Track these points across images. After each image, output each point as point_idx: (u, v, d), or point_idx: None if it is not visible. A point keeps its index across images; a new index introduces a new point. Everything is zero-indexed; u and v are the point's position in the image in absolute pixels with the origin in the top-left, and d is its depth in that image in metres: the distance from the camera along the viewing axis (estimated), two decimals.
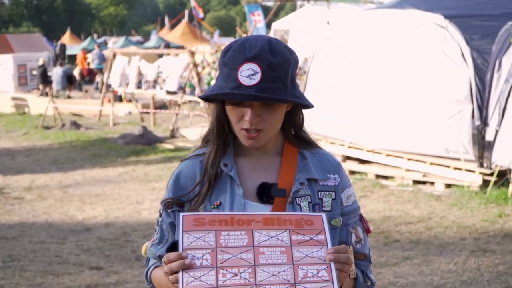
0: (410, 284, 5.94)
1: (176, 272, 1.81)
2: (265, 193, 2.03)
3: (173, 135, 15.34)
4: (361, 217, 2.15)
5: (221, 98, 1.98)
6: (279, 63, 1.93)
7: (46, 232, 7.81)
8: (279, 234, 1.87)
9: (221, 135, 2.05)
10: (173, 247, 1.91)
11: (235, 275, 1.81)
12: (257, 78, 1.90)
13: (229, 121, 2.02)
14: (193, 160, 2.11)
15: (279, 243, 1.86)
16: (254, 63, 1.90)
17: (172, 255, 1.82)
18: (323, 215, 1.91)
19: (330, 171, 2.10)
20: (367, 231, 2.15)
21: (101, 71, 25.51)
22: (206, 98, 2.03)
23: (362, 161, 11.01)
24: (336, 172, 2.10)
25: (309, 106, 2.04)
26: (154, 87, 17.71)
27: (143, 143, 14.17)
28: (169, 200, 2.05)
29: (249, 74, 1.90)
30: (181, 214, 1.89)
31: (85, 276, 6.25)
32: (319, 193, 2.06)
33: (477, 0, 11.39)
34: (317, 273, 1.82)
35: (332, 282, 1.80)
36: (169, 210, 2.07)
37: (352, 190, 2.14)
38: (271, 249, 1.85)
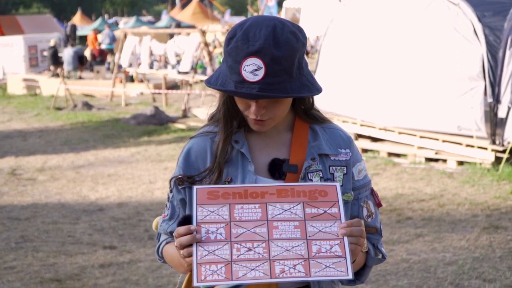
0: (423, 260, 5.95)
1: (187, 246, 1.82)
2: (277, 169, 2.02)
3: (185, 115, 15.35)
4: (372, 191, 2.15)
5: (223, 91, 1.97)
6: (283, 55, 1.86)
7: (59, 212, 7.84)
8: (293, 207, 1.87)
9: (230, 120, 2.05)
10: (184, 221, 1.90)
11: (249, 249, 1.81)
12: (260, 74, 1.85)
13: (237, 107, 2.02)
14: (203, 137, 2.11)
15: (293, 217, 1.85)
16: (258, 58, 1.84)
17: (182, 229, 1.83)
18: (337, 184, 1.91)
19: (341, 146, 2.09)
20: (378, 205, 2.15)
21: (111, 51, 25.54)
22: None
23: (374, 139, 11.00)
24: (347, 147, 2.09)
25: (318, 93, 2.01)
26: (166, 67, 17.73)
27: (155, 123, 14.20)
28: (180, 177, 2.06)
29: (252, 69, 1.85)
30: (195, 187, 1.89)
31: (99, 255, 6.28)
32: (331, 168, 2.05)
33: None
34: (331, 248, 1.82)
35: (345, 257, 1.80)
36: (180, 187, 2.07)
37: (363, 164, 2.14)
38: (284, 223, 1.85)
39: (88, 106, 16.97)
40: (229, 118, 2.04)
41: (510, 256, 6.02)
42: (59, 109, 17.03)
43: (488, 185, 8.58)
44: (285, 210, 1.86)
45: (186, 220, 1.90)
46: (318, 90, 1.97)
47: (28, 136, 13.52)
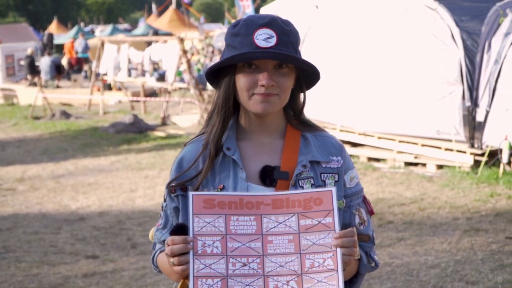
0: (405, 264, 5.99)
1: (178, 255, 1.83)
2: (268, 176, 2.02)
3: (164, 122, 15.33)
4: (364, 198, 2.15)
5: (239, 60, 1.96)
6: (291, 30, 1.98)
7: (40, 222, 7.80)
8: (288, 219, 1.87)
9: (226, 108, 2.03)
10: (176, 230, 1.90)
11: (244, 264, 1.83)
12: (273, 41, 1.93)
13: (235, 95, 2.02)
14: (196, 143, 2.10)
15: (287, 230, 1.86)
16: (269, 29, 1.94)
17: (177, 239, 1.84)
18: (333, 189, 1.89)
19: (332, 154, 2.09)
20: (370, 212, 2.15)
21: (86, 60, 25.43)
22: (216, 70, 2.03)
23: (354, 144, 11.05)
24: (339, 154, 2.10)
25: (317, 77, 2.07)
26: (144, 75, 17.70)
27: (134, 131, 14.15)
28: (172, 185, 2.05)
29: (265, 37, 1.93)
30: (191, 193, 1.88)
31: (81, 265, 6.26)
32: (322, 175, 2.05)
33: None
34: (323, 262, 1.84)
35: (337, 270, 1.82)
36: (173, 195, 2.07)
37: (355, 172, 2.14)
38: (279, 238, 1.86)
39: (66, 115, 16.87)
40: (227, 113, 2.04)
41: (491, 258, 6.07)
42: (37, 118, 16.91)
43: (467, 188, 8.65)
44: (280, 223, 1.87)
45: (178, 228, 1.90)
46: (319, 73, 2.06)
47: (6, 146, 13.42)
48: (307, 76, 2.08)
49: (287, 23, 1.99)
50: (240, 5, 23.87)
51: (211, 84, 2.10)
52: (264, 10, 34.53)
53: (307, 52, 12.11)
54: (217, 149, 2.03)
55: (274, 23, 1.95)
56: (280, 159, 2.05)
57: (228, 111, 2.04)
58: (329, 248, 1.84)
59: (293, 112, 2.12)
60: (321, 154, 2.07)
